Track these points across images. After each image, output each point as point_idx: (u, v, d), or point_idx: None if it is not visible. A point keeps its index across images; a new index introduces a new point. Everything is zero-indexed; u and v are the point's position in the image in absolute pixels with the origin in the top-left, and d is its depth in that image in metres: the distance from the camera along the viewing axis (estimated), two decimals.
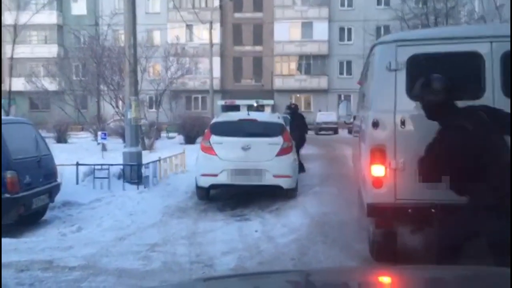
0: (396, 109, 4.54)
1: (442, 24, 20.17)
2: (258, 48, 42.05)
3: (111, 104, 23.05)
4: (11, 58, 22.42)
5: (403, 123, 4.54)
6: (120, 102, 21.56)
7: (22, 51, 29.97)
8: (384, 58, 4.65)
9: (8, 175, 6.29)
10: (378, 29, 35.23)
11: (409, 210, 4.45)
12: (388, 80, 4.59)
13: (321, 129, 32.78)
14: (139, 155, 9.88)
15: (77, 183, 8.94)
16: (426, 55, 4.62)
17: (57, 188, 7.59)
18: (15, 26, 21.72)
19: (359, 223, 6.30)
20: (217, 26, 38.64)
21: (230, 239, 6.24)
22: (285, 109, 13.62)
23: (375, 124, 4.59)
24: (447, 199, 4.24)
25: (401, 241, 5.06)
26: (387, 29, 33.75)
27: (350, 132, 9.55)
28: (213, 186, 8.71)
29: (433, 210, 4.30)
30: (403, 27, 21.57)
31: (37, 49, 39.49)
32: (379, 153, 4.55)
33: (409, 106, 4.56)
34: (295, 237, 6.28)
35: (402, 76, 4.57)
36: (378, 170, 4.56)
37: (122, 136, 17.50)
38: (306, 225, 6.85)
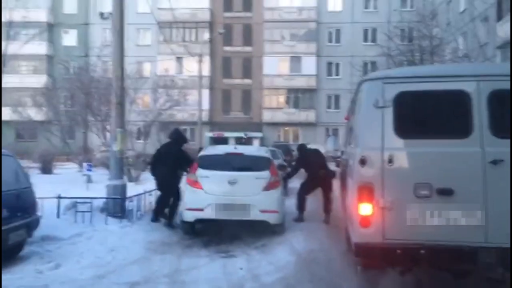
0: (384, 146, 4.49)
1: (427, 61, 20.54)
2: (247, 81, 42.43)
3: (97, 135, 22.86)
4: None
5: (390, 160, 4.48)
6: (107, 133, 21.41)
7: (10, 80, 29.85)
8: (371, 95, 4.63)
9: None
10: (365, 64, 35.84)
11: (398, 251, 4.34)
12: (375, 117, 4.56)
13: None
14: (123, 188, 9.67)
15: (58, 216, 8.66)
16: (413, 93, 4.62)
17: (36, 222, 7.33)
18: (2, 56, 21.63)
19: (347, 261, 6.16)
20: (206, 59, 39.00)
21: (214, 277, 6.05)
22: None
23: (363, 162, 4.53)
24: (437, 239, 4.16)
25: (390, 282, 4.92)
26: (373, 65, 34.42)
27: (337, 165, 9.51)
28: (198, 221, 8.53)
29: (422, 252, 4.20)
30: (389, 63, 21.90)
31: (26, 79, 39.34)
32: (366, 191, 4.47)
33: (397, 144, 4.52)
34: (281, 275, 6.10)
35: (389, 114, 4.55)
36: (365, 209, 4.48)
37: (109, 167, 17.26)
38: (293, 263, 6.67)
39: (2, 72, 21.86)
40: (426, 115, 4.60)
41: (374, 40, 37.81)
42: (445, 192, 4.32)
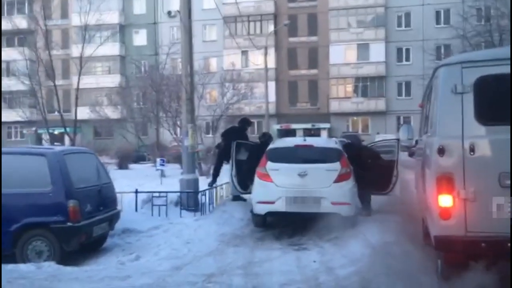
0: (465, 134, 4.25)
1: (507, 41, 19.20)
2: (313, 71, 42.01)
3: (169, 131, 23.66)
4: (77, 89, 23.62)
5: (472, 149, 4.23)
6: (178, 129, 22.10)
7: (87, 81, 31.60)
8: (449, 81, 4.39)
9: (71, 204, 6.46)
10: (438, 48, 34.22)
11: (483, 244, 4.10)
12: (454, 104, 4.32)
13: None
14: (195, 182, 9.93)
15: (136, 210, 9.08)
16: (495, 76, 4.32)
17: (117, 216, 7.73)
18: (81, 58, 22.92)
19: (425, 254, 5.92)
20: (272, 51, 39.06)
21: (288, 269, 6.04)
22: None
23: (441, 151, 4.31)
24: None
25: (473, 277, 4.66)
26: (447, 48, 32.76)
27: (410, 155, 9.13)
28: (269, 214, 8.56)
29: (509, 245, 3.94)
30: (465, 46, 20.75)
31: (101, 79, 41.54)
32: (446, 181, 4.26)
33: (479, 131, 4.25)
34: (356, 268, 5.97)
35: (469, 100, 4.29)
36: (445, 200, 4.26)
37: (181, 162, 17.81)
38: (367, 256, 6.50)
39: (80, 73, 23.13)
40: (509, 99, 4.29)
41: (447, 21, 35.95)
42: None
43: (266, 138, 10.54)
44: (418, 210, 6.92)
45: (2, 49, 41.91)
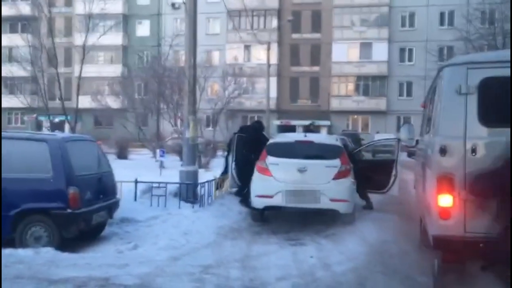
0: (467, 135, 4.26)
1: (510, 45, 19.20)
2: (315, 68, 41.97)
3: (169, 122, 23.67)
4: (79, 77, 23.61)
5: (474, 150, 4.25)
6: (178, 120, 22.13)
7: (89, 70, 31.58)
8: (453, 81, 4.40)
9: (71, 190, 6.47)
10: (440, 49, 34.21)
11: (481, 245, 4.12)
12: (457, 104, 4.33)
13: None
14: (195, 174, 9.95)
15: (135, 199, 9.10)
16: (500, 78, 4.33)
17: (116, 204, 7.75)
18: (83, 47, 22.89)
19: (423, 253, 5.95)
20: (274, 47, 38.98)
21: (285, 264, 6.07)
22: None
23: (443, 151, 4.33)
24: None
25: (469, 277, 4.69)
26: (450, 50, 32.77)
27: (409, 155, 9.14)
28: (267, 208, 8.59)
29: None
30: (468, 48, 20.74)
31: (103, 68, 41.47)
32: (446, 182, 4.28)
33: (481, 133, 4.27)
34: (352, 265, 6.01)
35: (473, 101, 4.30)
36: (445, 200, 4.28)
37: (179, 153, 17.82)
38: (364, 253, 6.55)
39: (83, 62, 23.11)
40: None
41: (451, 23, 35.94)
42: None
43: (259, 125, 10.85)
44: (416, 209, 6.95)
45: (5, 34, 41.88)
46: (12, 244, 6.48)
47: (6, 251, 6.19)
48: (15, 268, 5.55)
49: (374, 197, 10.11)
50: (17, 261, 5.82)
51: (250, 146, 9.87)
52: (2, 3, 41.90)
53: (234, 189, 10.44)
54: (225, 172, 10.87)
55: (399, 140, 9.50)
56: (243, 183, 9.77)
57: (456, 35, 23.55)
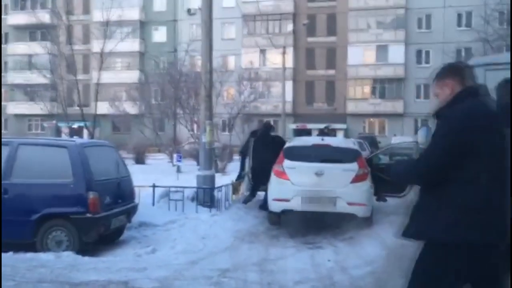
0: None
1: None
2: (331, 71, 41.84)
3: (186, 127, 23.83)
4: (97, 84, 23.95)
5: None
6: (195, 125, 22.27)
7: (107, 76, 31.98)
8: None
9: (91, 195, 6.57)
10: (458, 51, 33.85)
11: None
12: None
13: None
14: (212, 179, 10.01)
15: (153, 204, 9.19)
16: None
17: (134, 209, 7.83)
18: (101, 54, 23.23)
19: None
20: (290, 51, 39.00)
21: (302, 268, 6.06)
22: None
23: None
24: None
25: None
26: (468, 51, 32.37)
27: None
28: (284, 211, 8.58)
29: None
30: (486, 49, 20.49)
31: (121, 74, 41.94)
32: None
33: None
34: (371, 269, 5.98)
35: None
36: None
37: (196, 158, 17.94)
38: (383, 257, 6.50)
39: (101, 69, 23.44)
40: None
41: (469, 24, 35.52)
42: None
43: (266, 128, 10.64)
44: None
45: (25, 42, 42.71)
46: (33, 248, 6.60)
47: (28, 255, 6.33)
48: (37, 272, 5.65)
49: (391, 200, 10.02)
50: (39, 265, 5.93)
51: (266, 149, 9.85)
52: (23, 12, 42.84)
53: (247, 193, 10.42)
54: (240, 176, 10.89)
55: (417, 143, 9.41)
56: (255, 186, 9.75)
57: (474, 36, 23.31)
